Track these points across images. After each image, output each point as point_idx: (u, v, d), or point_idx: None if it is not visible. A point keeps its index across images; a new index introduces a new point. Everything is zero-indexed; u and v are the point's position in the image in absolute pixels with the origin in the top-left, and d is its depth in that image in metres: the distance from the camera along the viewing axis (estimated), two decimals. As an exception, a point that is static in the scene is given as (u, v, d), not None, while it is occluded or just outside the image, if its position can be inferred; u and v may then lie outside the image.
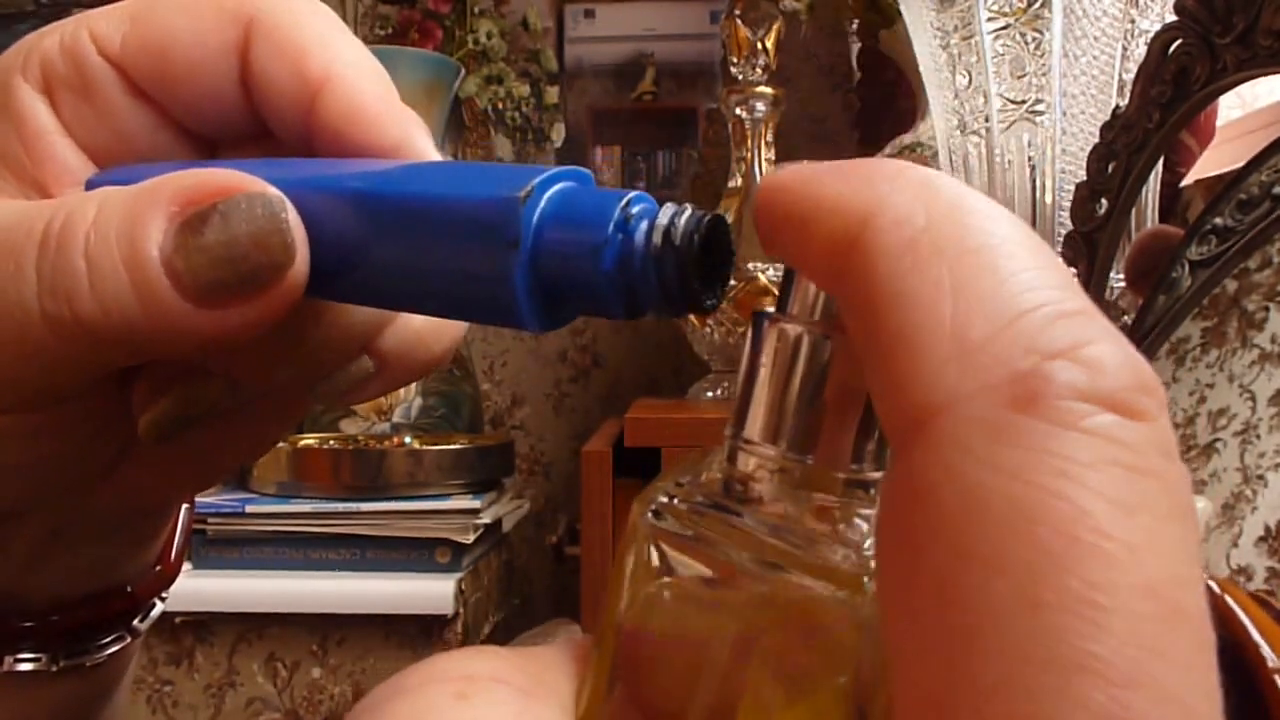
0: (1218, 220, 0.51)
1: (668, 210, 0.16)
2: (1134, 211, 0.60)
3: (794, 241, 0.13)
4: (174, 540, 0.27)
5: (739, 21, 1.10)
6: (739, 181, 1.12)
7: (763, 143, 1.12)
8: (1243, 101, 0.82)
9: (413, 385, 1.20)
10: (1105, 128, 0.58)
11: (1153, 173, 0.62)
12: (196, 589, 0.97)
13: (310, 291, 0.18)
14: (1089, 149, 0.59)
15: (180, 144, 0.21)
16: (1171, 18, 0.52)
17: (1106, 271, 0.59)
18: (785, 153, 1.18)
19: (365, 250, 0.18)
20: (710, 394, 1.12)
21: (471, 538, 0.98)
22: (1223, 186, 0.52)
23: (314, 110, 0.20)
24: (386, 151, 0.20)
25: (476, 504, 1.00)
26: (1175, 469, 0.11)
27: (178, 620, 0.99)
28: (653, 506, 0.15)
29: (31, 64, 0.20)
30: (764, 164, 1.12)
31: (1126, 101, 0.57)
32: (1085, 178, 0.59)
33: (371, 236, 0.18)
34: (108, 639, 0.25)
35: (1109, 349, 0.11)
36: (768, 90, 1.10)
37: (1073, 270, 0.60)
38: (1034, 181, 0.69)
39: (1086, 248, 0.59)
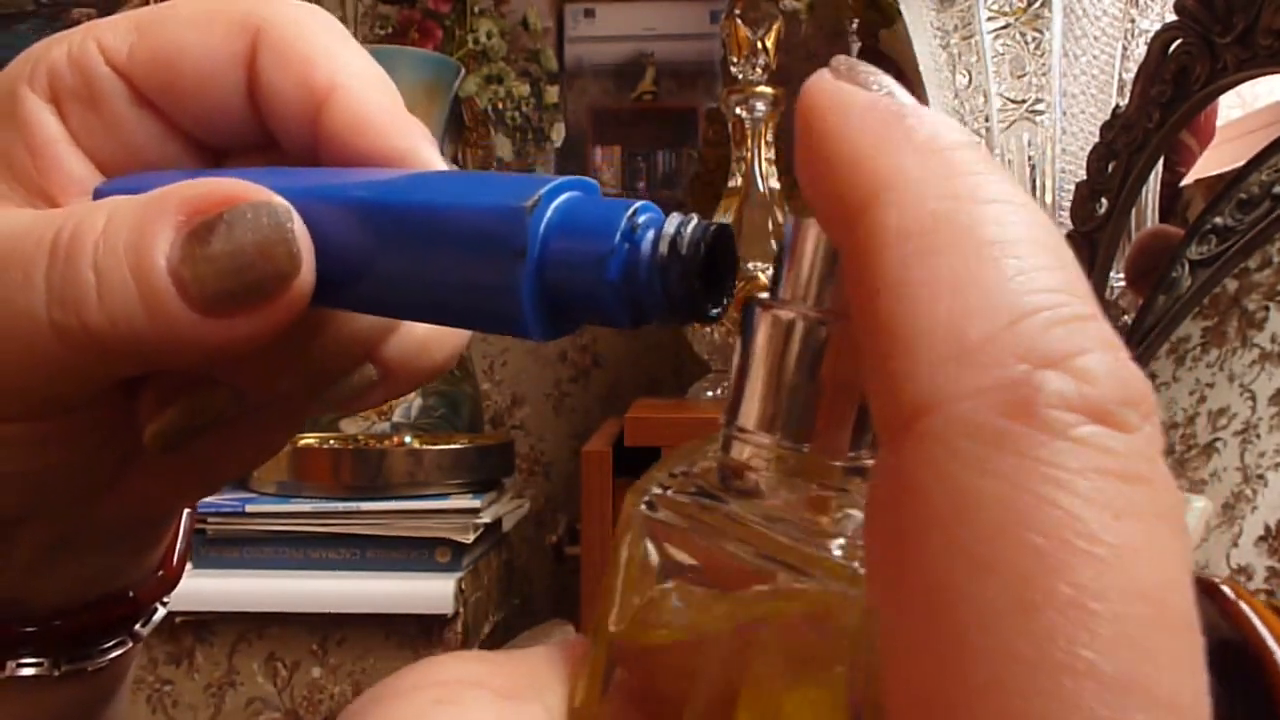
0: (1218, 220, 0.51)
1: (673, 220, 0.16)
2: (1134, 211, 0.60)
3: (813, 180, 0.13)
4: (176, 545, 0.27)
5: (739, 21, 1.10)
6: (739, 181, 1.12)
7: (763, 142, 1.12)
8: (1243, 101, 0.82)
9: (413, 385, 1.20)
10: (1105, 128, 0.58)
11: (1153, 173, 0.62)
12: (196, 589, 0.96)
13: (316, 300, 0.18)
14: (1089, 149, 0.59)
15: (187, 154, 0.21)
16: (1171, 18, 0.53)
17: (1106, 271, 0.59)
18: (785, 153, 1.18)
19: (370, 259, 0.18)
20: (710, 394, 1.12)
21: (471, 537, 0.98)
22: (1223, 186, 0.52)
23: (320, 120, 0.20)
24: (392, 161, 0.20)
25: (476, 504, 1.00)
26: (1162, 476, 0.11)
27: (178, 620, 0.99)
28: (647, 498, 0.15)
29: (39, 74, 0.20)
30: (764, 164, 1.12)
31: (1126, 101, 0.57)
32: (1085, 178, 0.59)
33: (377, 246, 0.18)
34: (109, 644, 0.25)
35: (1100, 358, 0.11)
36: (768, 90, 1.10)
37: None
38: (1034, 181, 0.69)
39: (1086, 247, 0.59)
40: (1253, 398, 0.49)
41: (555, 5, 1.49)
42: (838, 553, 0.14)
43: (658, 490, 0.15)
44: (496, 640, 1.11)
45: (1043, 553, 0.10)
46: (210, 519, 0.98)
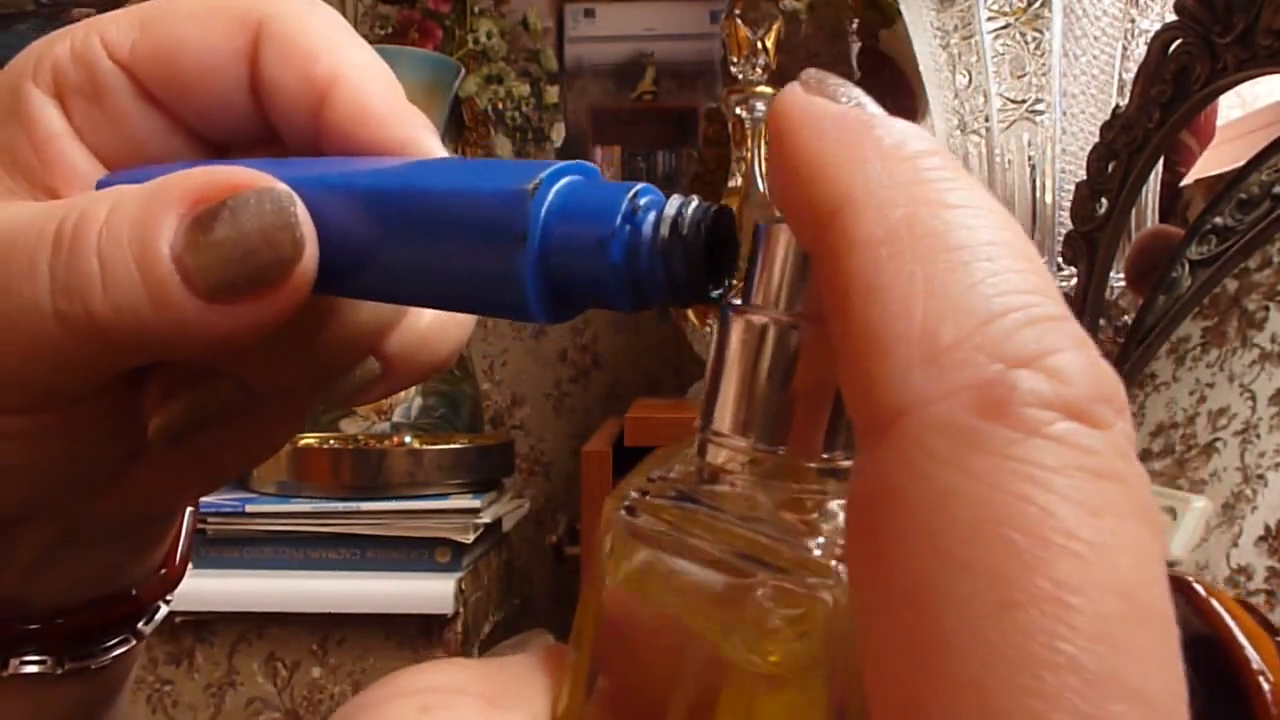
0: (1218, 220, 0.51)
1: (674, 202, 0.16)
2: (1134, 211, 0.60)
3: (784, 191, 0.13)
4: (178, 543, 0.27)
5: (739, 21, 1.10)
6: (739, 181, 1.12)
7: (763, 142, 1.12)
8: (1243, 101, 0.82)
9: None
10: (1105, 128, 0.58)
11: (1153, 173, 0.62)
12: (196, 589, 0.96)
13: (319, 288, 0.18)
14: (1089, 149, 0.59)
15: (190, 148, 0.21)
16: (1171, 18, 0.53)
17: (1106, 271, 0.59)
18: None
19: (373, 245, 0.18)
20: (710, 393, 1.12)
21: (471, 537, 0.98)
22: (1223, 186, 0.52)
23: (322, 113, 0.20)
24: (395, 152, 0.20)
25: (476, 504, 1.00)
26: (1136, 473, 0.11)
27: (178, 620, 0.99)
28: (626, 502, 0.15)
29: (43, 69, 0.20)
30: (764, 164, 1.12)
31: (1126, 101, 0.57)
32: (1085, 178, 0.59)
33: (379, 232, 0.18)
34: (112, 642, 0.25)
35: (1073, 357, 0.11)
36: (768, 90, 1.10)
37: (1072, 270, 0.60)
38: (1034, 181, 0.69)
39: (1086, 247, 0.59)
40: (1253, 398, 0.49)
41: (555, 5, 1.49)
42: (817, 552, 0.14)
43: (636, 494, 0.15)
44: (496, 640, 1.11)
45: (1021, 550, 0.10)
46: (210, 519, 0.98)
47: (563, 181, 0.17)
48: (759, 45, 1.09)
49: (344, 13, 1.43)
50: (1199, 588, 0.31)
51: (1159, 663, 0.11)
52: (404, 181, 0.18)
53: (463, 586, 0.98)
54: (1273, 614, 0.44)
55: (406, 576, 0.98)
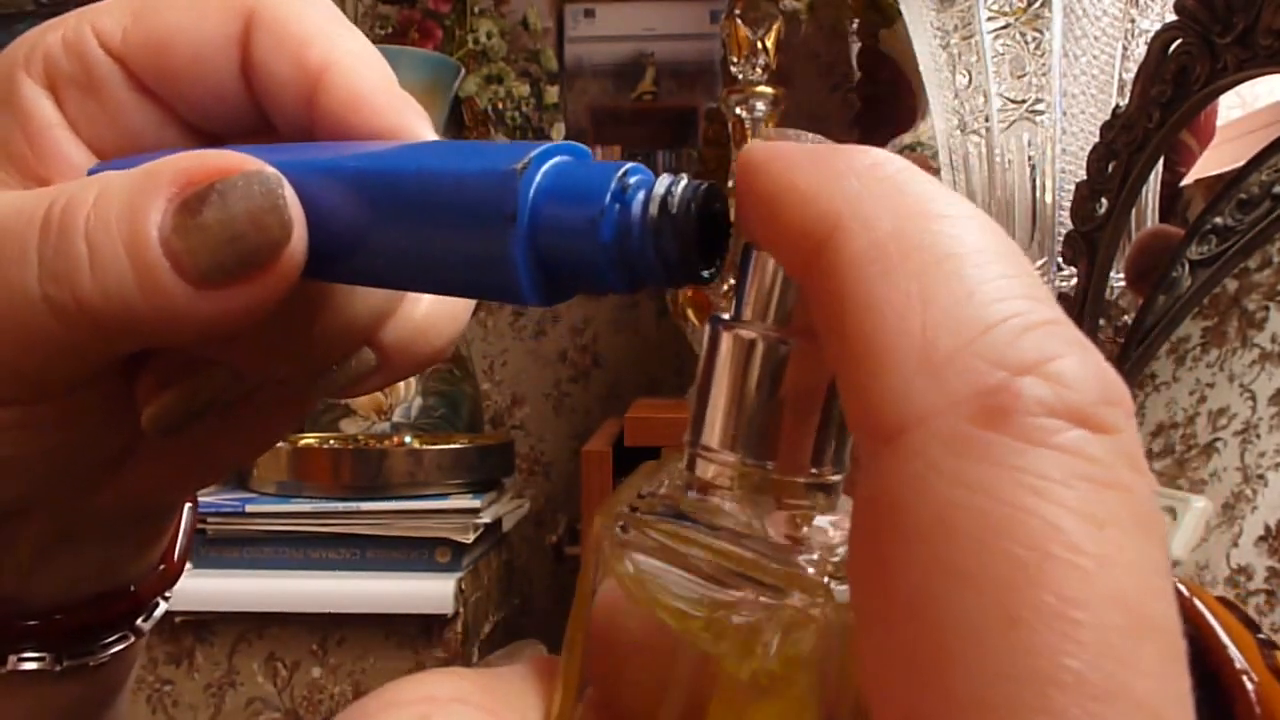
0: (1218, 220, 0.51)
1: (664, 180, 0.16)
2: (1134, 211, 0.60)
3: (764, 229, 0.13)
4: (177, 539, 0.27)
5: (739, 21, 1.10)
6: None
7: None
8: (1243, 101, 0.82)
9: (412, 385, 1.20)
10: (1105, 128, 0.58)
11: (1153, 173, 0.62)
12: (196, 589, 0.97)
13: (310, 272, 0.18)
14: (1089, 149, 0.59)
15: (183, 138, 0.21)
16: (1171, 18, 0.52)
17: (1106, 271, 0.59)
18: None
19: (364, 228, 0.18)
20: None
21: (471, 537, 0.98)
22: (1223, 186, 0.52)
23: (315, 100, 0.20)
24: (387, 138, 0.20)
25: (476, 504, 1.00)
26: (1142, 481, 0.11)
27: (178, 620, 0.99)
28: (616, 518, 0.15)
29: (35, 59, 0.20)
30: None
31: (1126, 101, 0.57)
32: (1085, 178, 0.59)
33: (369, 214, 0.18)
34: (111, 639, 0.25)
35: (1076, 362, 0.11)
36: (768, 90, 1.10)
37: (1072, 270, 0.60)
38: (1034, 181, 0.69)
39: (1086, 247, 0.59)
40: (1253, 398, 0.49)
41: (555, 5, 1.49)
42: (808, 569, 0.14)
43: (627, 510, 0.15)
44: (496, 640, 1.11)
45: (1025, 564, 0.10)
46: (210, 519, 0.98)
47: (552, 161, 0.17)
48: (759, 45, 1.09)
49: (344, 13, 1.43)
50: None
51: (1165, 674, 0.10)
52: (393, 164, 0.18)
53: (463, 586, 0.98)
54: (1273, 614, 0.44)
55: (406, 576, 0.98)
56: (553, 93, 1.48)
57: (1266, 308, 0.50)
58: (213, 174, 0.17)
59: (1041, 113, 0.68)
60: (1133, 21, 0.67)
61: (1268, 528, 0.46)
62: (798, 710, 0.14)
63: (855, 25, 1.33)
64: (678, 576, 0.14)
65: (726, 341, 0.15)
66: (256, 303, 0.18)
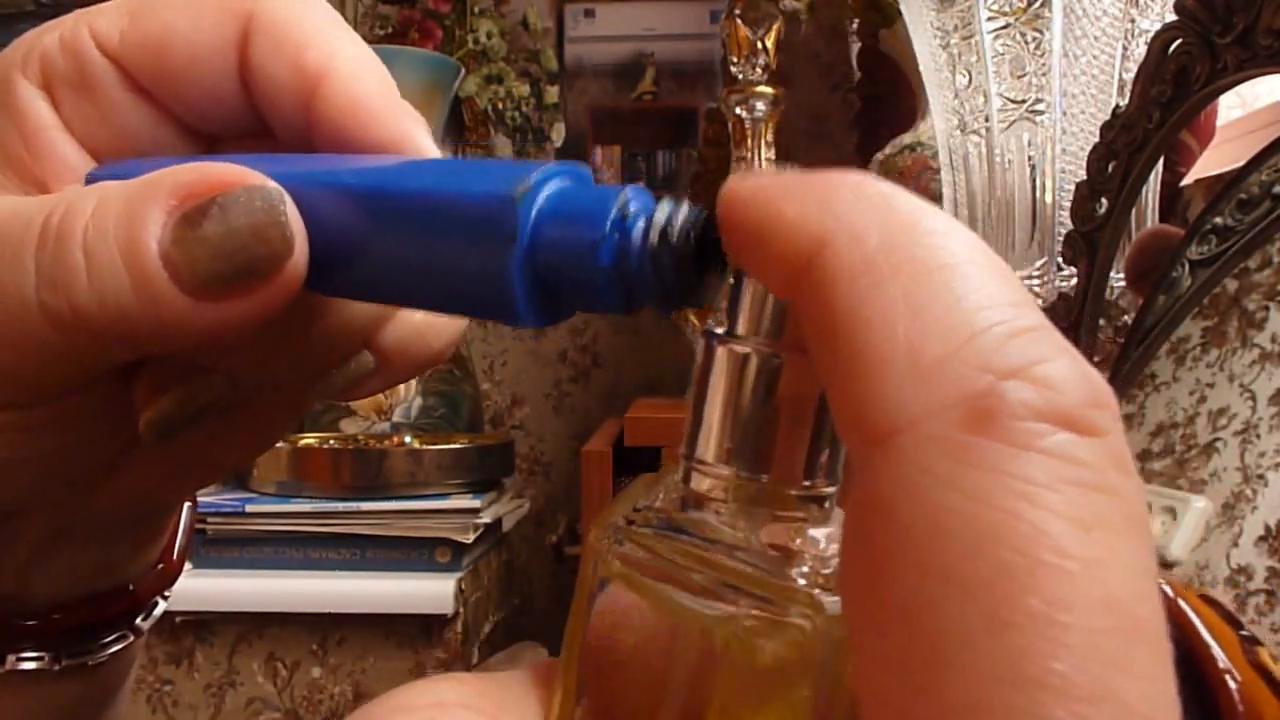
0: (1218, 220, 0.51)
1: (664, 206, 0.16)
2: (1134, 211, 0.60)
3: (752, 255, 0.14)
4: (176, 539, 0.27)
5: (739, 21, 1.10)
6: (739, 181, 1.12)
7: (763, 142, 1.12)
8: (1243, 101, 0.82)
9: (412, 385, 1.20)
10: (1105, 128, 0.58)
11: (1153, 173, 0.62)
12: (196, 589, 0.97)
13: (309, 286, 0.18)
14: (1089, 149, 0.59)
15: (181, 140, 0.21)
16: (1171, 18, 0.52)
17: (1106, 271, 0.59)
18: (785, 152, 1.18)
19: (363, 245, 0.18)
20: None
21: (471, 537, 0.98)
22: (1223, 186, 0.52)
23: (313, 105, 0.20)
24: (386, 146, 0.20)
25: (476, 504, 1.00)
26: (1129, 483, 0.11)
27: (178, 620, 0.99)
28: (611, 531, 0.15)
29: (32, 61, 0.20)
30: (764, 164, 1.12)
31: (1126, 101, 0.57)
32: (1085, 178, 0.59)
33: (369, 232, 0.18)
34: (110, 638, 0.25)
35: (1062, 365, 0.11)
36: (768, 90, 1.10)
37: (1072, 270, 0.60)
38: (1034, 181, 0.69)
39: (1086, 247, 0.59)
40: (1253, 398, 0.49)
41: (555, 5, 1.49)
42: (801, 581, 0.14)
43: (622, 524, 0.15)
44: (496, 640, 1.11)
45: (1013, 569, 0.10)
46: (210, 519, 0.98)
47: (553, 184, 0.17)
48: (759, 45, 1.09)
49: (344, 13, 1.43)
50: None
51: (1151, 678, 0.11)
52: (395, 181, 0.18)
53: (463, 586, 0.98)
54: (1273, 614, 0.44)
55: (406, 576, 0.98)
56: (553, 93, 1.49)
57: (1266, 308, 0.50)
58: (214, 187, 0.17)
59: (1041, 113, 0.68)
60: (1133, 21, 0.67)
61: (1268, 528, 0.46)
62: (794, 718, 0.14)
63: (855, 25, 1.33)
64: (671, 591, 0.14)
65: (720, 355, 0.15)
66: (255, 314, 0.18)
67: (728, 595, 0.14)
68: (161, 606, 0.27)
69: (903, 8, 0.77)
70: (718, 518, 0.15)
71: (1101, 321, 0.60)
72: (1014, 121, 0.69)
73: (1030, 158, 0.69)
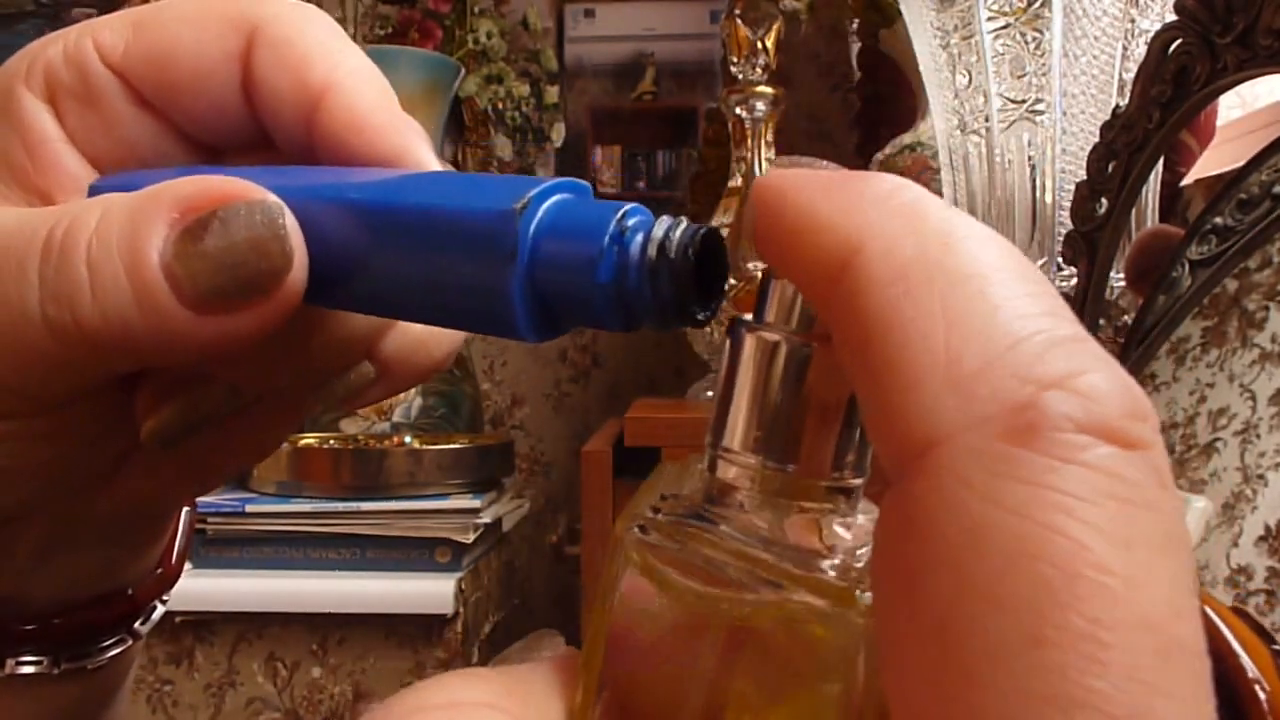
0: (1218, 220, 0.51)
1: (663, 223, 0.16)
2: (1134, 211, 0.60)
3: (784, 256, 0.14)
4: (175, 542, 0.27)
5: (739, 21, 1.10)
6: (739, 181, 1.12)
7: (763, 142, 1.12)
8: (1243, 101, 0.82)
9: (412, 385, 1.20)
10: (1105, 128, 0.58)
11: (1153, 173, 0.62)
12: (196, 589, 0.97)
13: (309, 299, 0.18)
14: (1089, 149, 0.59)
15: (184, 152, 0.21)
16: (1171, 18, 0.52)
17: (1106, 271, 0.59)
18: (785, 152, 1.18)
19: (363, 259, 0.18)
20: (710, 394, 1.12)
21: (471, 537, 0.98)
22: (1223, 186, 0.52)
23: (315, 118, 0.20)
24: (387, 160, 0.20)
25: (476, 504, 1.00)
26: (1170, 499, 0.11)
27: (178, 620, 0.99)
28: (638, 522, 0.15)
29: (35, 72, 0.20)
30: (764, 164, 1.12)
31: (1126, 101, 0.57)
32: (1085, 178, 0.59)
33: (369, 246, 0.18)
34: (109, 641, 0.25)
35: (1102, 376, 0.11)
36: (768, 90, 1.10)
37: (1072, 270, 0.60)
38: (1034, 181, 0.69)
39: (1086, 248, 0.59)
40: (1253, 398, 0.49)
41: (555, 5, 1.49)
42: (831, 573, 0.14)
43: (649, 514, 0.15)
44: (497, 640, 1.11)
45: (1053, 584, 0.10)
46: (210, 519, 0.98)
47: (552, 200, 0.17)
48: (759, 45, 1.09)
49: (344, 13, 1.43)
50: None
51: (1189, 697, 0.10)
52: (395, 196, 0.18)
53: (463, 586, 0.98)
54: (1273, 614, 0.44)
55: (406, 576, 0.98)
56: (553, 93, 1.48)
57: (1266, 308, 0.50)
58: (215, 200, 0.18)
59: (1041, 113, 0.68)
60: (1133, 21, 0.67)
61: (1268, 528, 0.46)
62: (814, 715, 0.14)
63: (855, 25, 1.33)
64: (696, 583, 0.14)
65: (749, 344, 0.15)
66: (256, 328, 0.18)
67: (759, 588, 0.14)
68: (160, 610, 0.27)
69: (903, 8, 0.77)
70: (743, 508, 0.15)
71: (1101, 321, 0.60)
72: (1014, 121, 0.69)
73: (1030, 158, 0.69)
